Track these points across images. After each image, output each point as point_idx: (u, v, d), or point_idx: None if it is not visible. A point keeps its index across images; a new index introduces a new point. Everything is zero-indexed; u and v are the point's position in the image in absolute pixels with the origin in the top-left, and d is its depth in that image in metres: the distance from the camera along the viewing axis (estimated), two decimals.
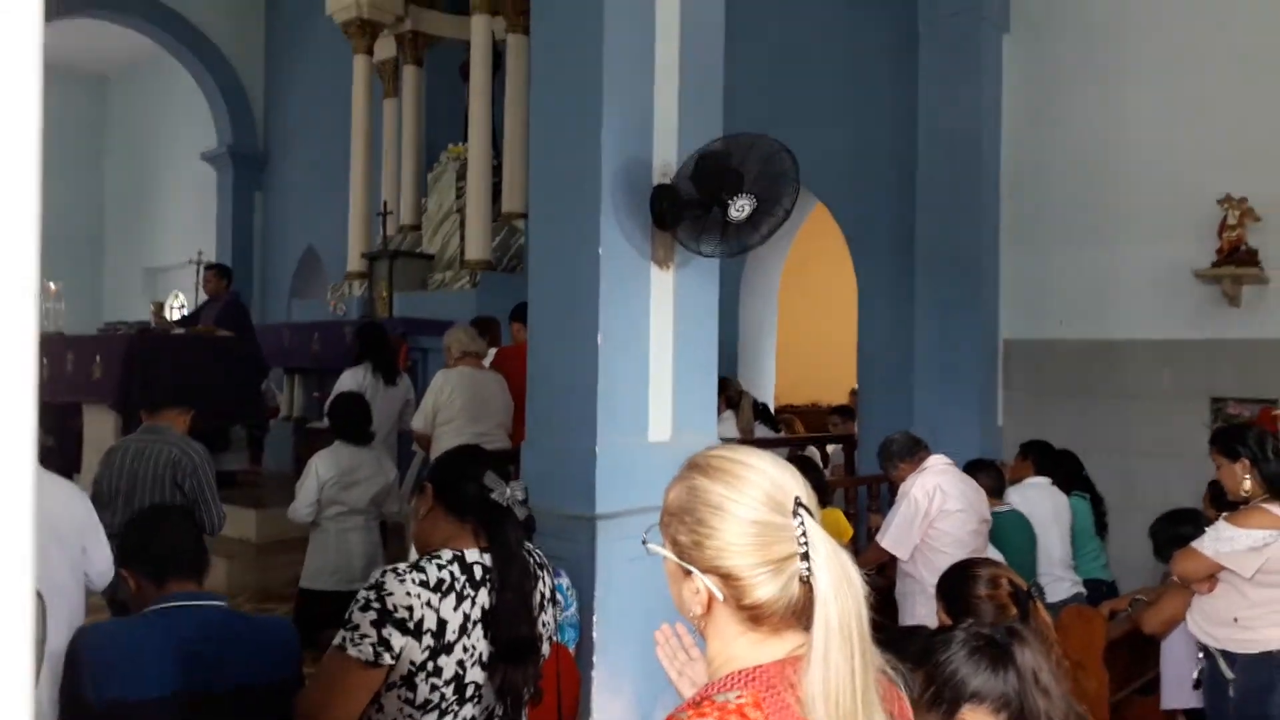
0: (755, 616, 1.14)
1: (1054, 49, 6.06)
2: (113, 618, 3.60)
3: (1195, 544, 3.28)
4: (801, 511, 1.13)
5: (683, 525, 1.17)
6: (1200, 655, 3.45)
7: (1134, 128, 5.73)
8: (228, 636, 2.23)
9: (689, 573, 1.16)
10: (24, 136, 0.55)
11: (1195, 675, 3.51)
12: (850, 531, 5.11)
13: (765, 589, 1.12)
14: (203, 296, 7.79)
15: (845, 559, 1.12)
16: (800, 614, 1.12)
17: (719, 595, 1.14)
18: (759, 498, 1.14)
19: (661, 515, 1.22)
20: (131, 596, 2.42)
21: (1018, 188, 6.17)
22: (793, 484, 1.16)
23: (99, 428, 6.22)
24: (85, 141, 15.63)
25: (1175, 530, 3.94)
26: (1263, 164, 5.27)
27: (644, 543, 1.24)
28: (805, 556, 1.11)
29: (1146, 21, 5.71)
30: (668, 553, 1.19)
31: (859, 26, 6.91)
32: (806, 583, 1.11)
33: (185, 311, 13.12)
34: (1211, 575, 3.26)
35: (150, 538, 2.40)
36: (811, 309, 10.70)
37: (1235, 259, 5.23)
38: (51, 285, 7.36)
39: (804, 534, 1.11)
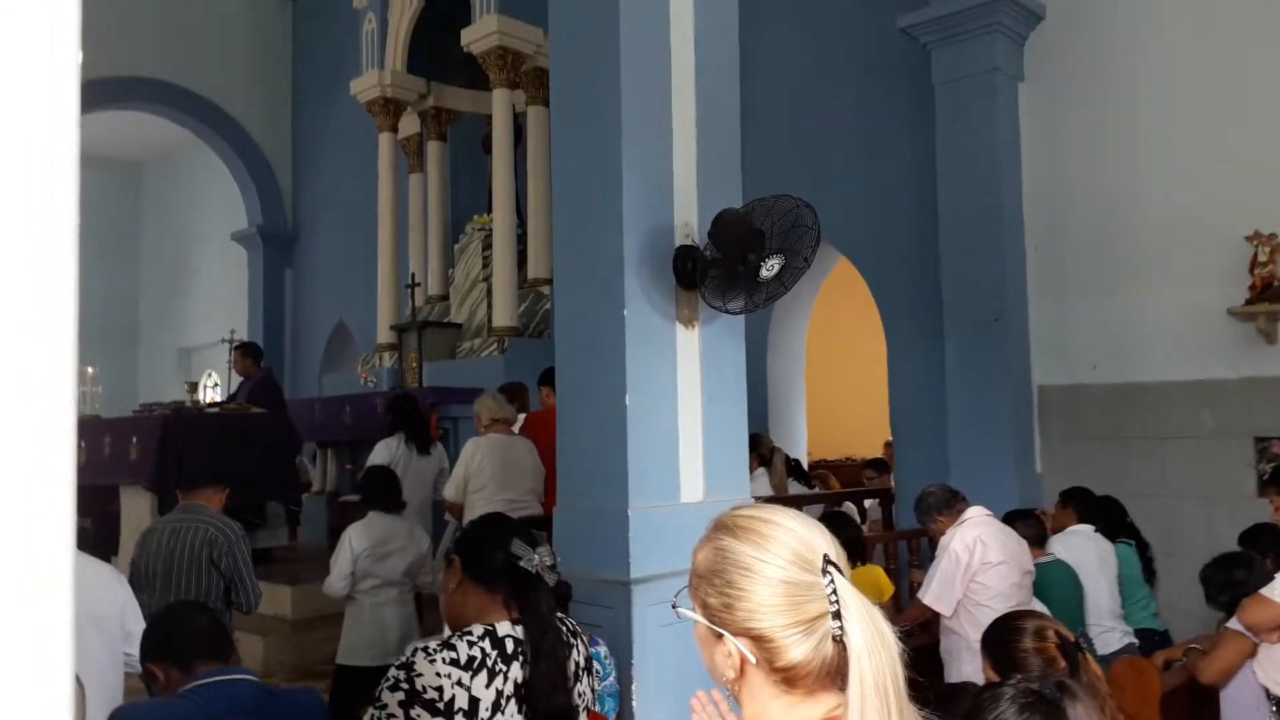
0: (789, 678, 1.11)
1: (1071, 95, 6.08)
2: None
3: (1265, 591, 3.18)
4: (831, 569, 1.11)
5: (712, 588, 1.16)
6: (1274, 708, 3.32)
7: (1156, 168, 5.71)
8: (257, 709, 2.26)
9: (720, 636, 1.15)
10: (64, 229, 0.57)
11: None
12: (891, 589, 5.01)
13: (798, 650, 1.10)
14: (237, 375, 7.91)
15: (877, 615, 1.10)
16: (835, 674, 1.10)
17: (751, 658, 1.12)
18: (787, 557, 1.12)
19: (690, 578, 1.21)
20: (160, 690, 2.48)
21: (1042, 234, 6.16)
22: (821, 541, 1.14)
23: (136, 509, 6.26)
24: (121, 227, 16.03)
25: (1228, 575, 3.82)
26: None
27: (674, 607, 1.22)
28: (837, 615, 1.09)
29: (1162, 63, 5.73)
30: (698, 616, 1.18)
31: (875, 83, 6.98)
32: (840, 642, 1.09)
33: (219, 390, 13.31)
34: None
35: (169, 629, 2.49)
36: (840, 362, 10.66)
37: (1268, 295, 5.17)
38: (89, 369, 7.49)
39: (834, 592, 1.09)
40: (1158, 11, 5.76)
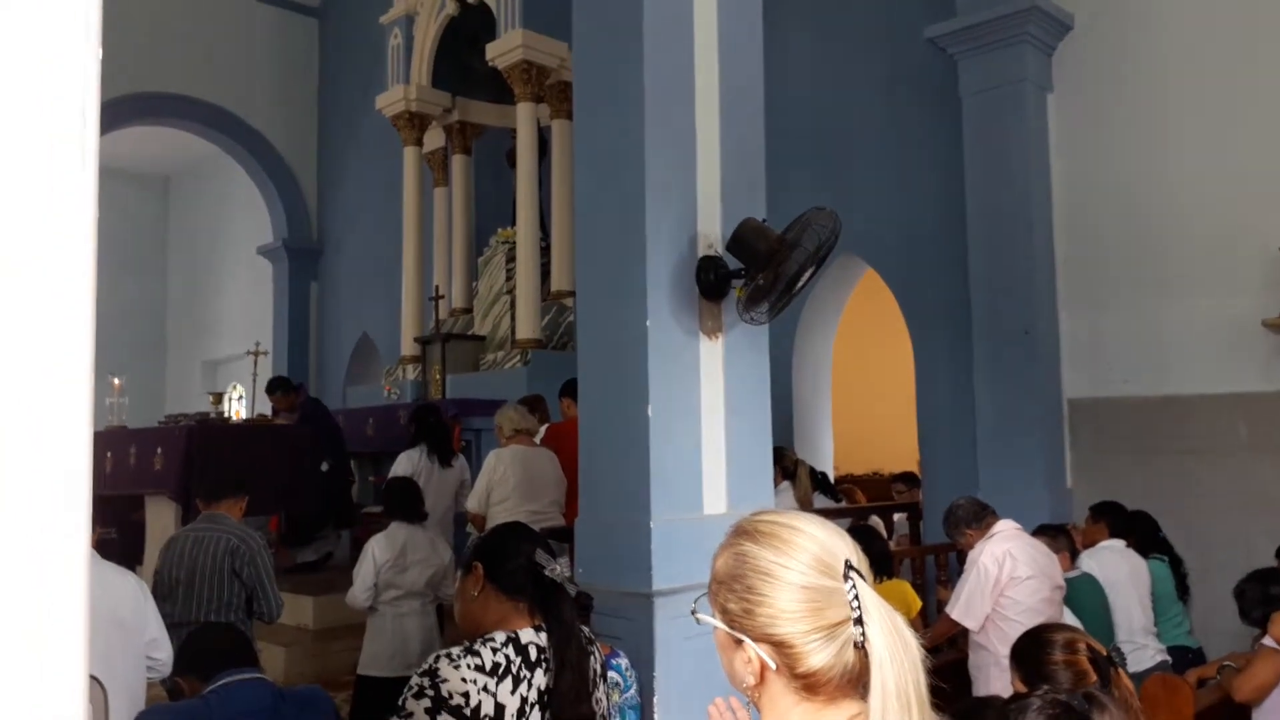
0: (810, 685, 1.09)
1: (1100, 105, 6.02)
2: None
3: None
4: (853, 575, 1.09)
5: (732, 593, 1.14)
6: None
7: (1187, 178, 5.64)
8: (269, 709, 2.44)
9: (740, 642, 1.13)
10: (82, 241, 0.57)
11: None
12: (918, 604, 4.95)
13: (819, 656, 1.08)
14: (262, 385, 7.96)
15: (900, 622, 1.08)
16: (856, 681, 1.08)
17: (771, 664, 1.10)
18: (808, 562, 1.10)
19: (710, 584, 1.19)
20: (187, 699, 2.69)
21: (1072, 246, 6.09)
22: (842, 547, 1.12)
23: (160, 519, 6.30)
24: (149, 240, 16.22)
25: (1265, 591, 3.74)
26: None
27: (693, 613, 1.21)
28: (859, 621, 1.07)
29: (1192, 71, 5.66)
30: (718, 622, 1.16)
31: (901, 94, 6.94)
32: (861, 648, 1.07)
33: (244, 402, 13.41)
34: None
35: (195, 644, 2.76)
36: (867, 374, 10.58)
37: None
38: (115, 380, 7.55)
39: (856, 598, 1.07)
40: (1187, 20, 5.69)
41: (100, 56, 0.58)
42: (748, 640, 1.12)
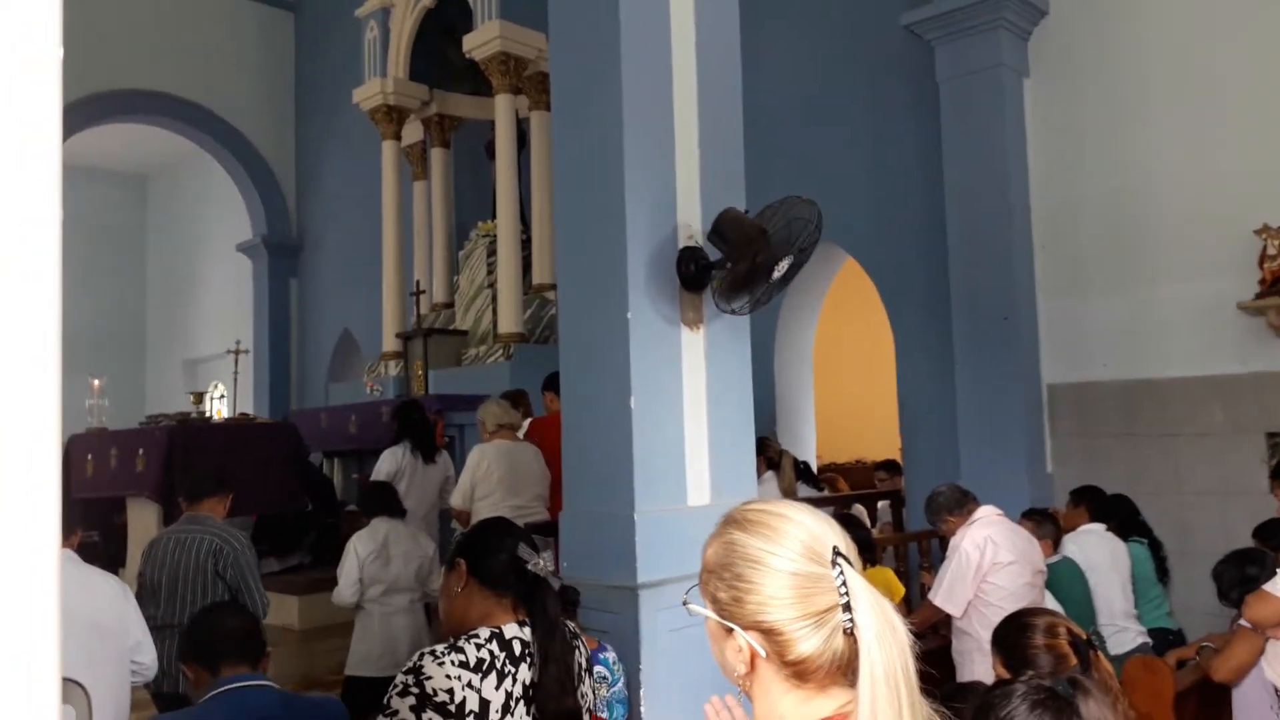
0: (800, 672, 1.11)
1: (1076, 90, 6.05)
2: (158, 713, 3.59)
3: (1269, 587, 3.15)
4: (841, 561, 1.10)
5: (721, 582, 1.16)
6: (1278, 704, 3.28)
7: (1163, 163, 5.68)
8: (279, 717, 2.31)
9: (730, 630, 1.14)
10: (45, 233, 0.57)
11: None
12: (902, 591, 4.98)
13: (808, 643, 1.09)
14: (243, 385, 7.92)
15: (888, 608, 1.09)
16: (845, 668, 1.09)
17: (762, 652, 1.12)
18: (797, 549, 1.12)
19: (700, 573, 1.20)
20: (191, 689, 2.53)
21: (1050, 232, 6.12)
22: (831, 534, 1.14)
23: (143, 520, 6.26)
24: (127, 239, 16.08)
25: (1241, 572, 3.78)
26: None
27: (684, 603, 1.22)
28: (847, 607, 1.08)
29: (1168, 55, 5.69)
30: (708, 612, 1.17)
31: (879, 81, 6.95)
32: (850, 635, 1.08)
33: (225, 401, 13.33)
34: None
35: (202, 629, 2.52)
36: (849, 363, 10.62)
37: (1278, 289, 5.12)
38: (95, 382, 7.49)
39: (844, 584, 1.09)
40: (1163, 4, 5.72)
41: (61, 51, 0.58)
42: (737, 629, 1.13)
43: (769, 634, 1.11)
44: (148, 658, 3.16)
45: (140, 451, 6.36)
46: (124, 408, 11.59)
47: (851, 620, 1.07)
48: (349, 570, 4.43)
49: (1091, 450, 5.91)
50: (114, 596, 3.10)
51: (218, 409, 13.36)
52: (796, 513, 1.16)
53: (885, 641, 1.06)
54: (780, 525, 1.14)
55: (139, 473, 6.31)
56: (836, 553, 1.11)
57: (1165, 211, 5.66)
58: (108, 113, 10.98)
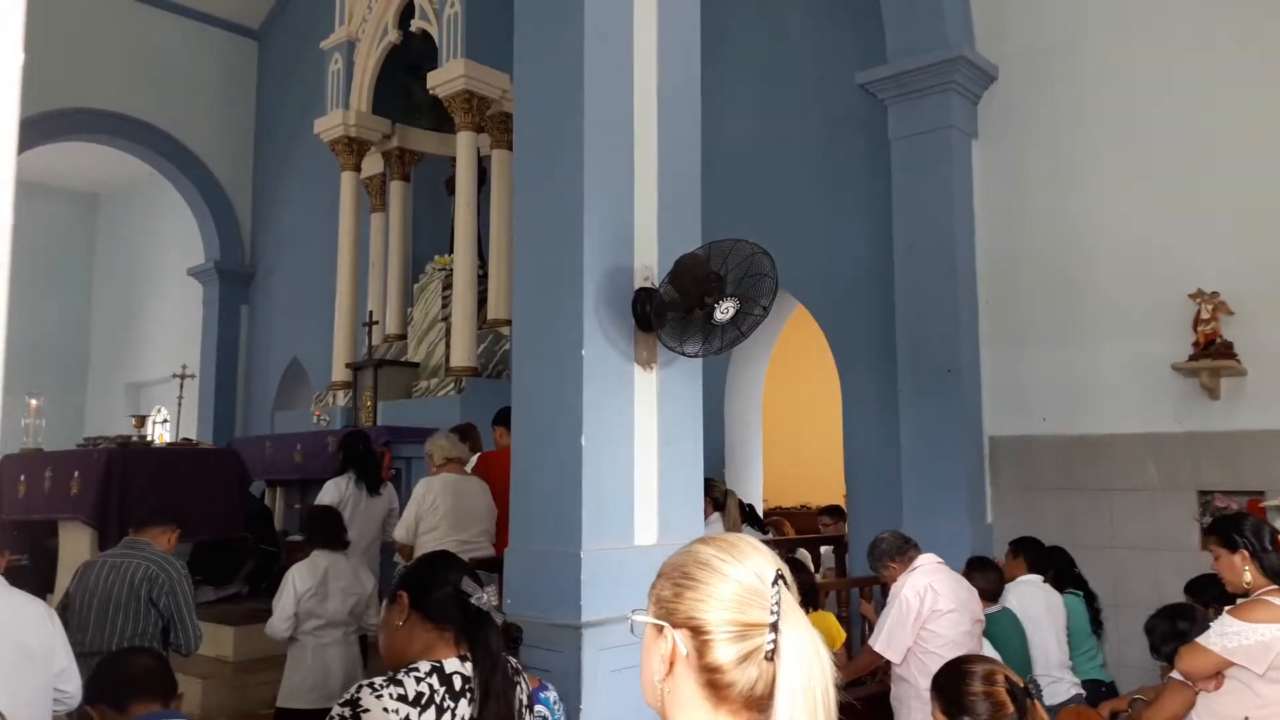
0: (713, 682, 1.12)
1: (1022, 153, 6.25)
2: None
3: (1201, 640, 3.21)
4: (781, 582, 1.13)
5: (668, 580, 1.19)
6: None
7: (1103, 226, 5.87)
8: None
9: (661, 630, 1.16)
10: None
11: None
12: (843, 636, 5.01)
13: (725, 650, 1.11)
14: (188, 411, 7.78)
15: (817, 637, 1.12)
16: (761, 702, 1.11)
17: (683, 650, 1.13)
18: (750, 567, 1.15)
19: (653, 581, 1.23)
20: None
21: (995, 287, 6.28)
22: (781, 568, 1.17)
23: (75, 545, 6.09)
24: (74, 258, 15.78)
25: (1173, 626, 3.86)
26: (1232, 258, 5.39)
27: (632, 612, 1.23)
28: (774, 628, 1.10)
29: (1108, 123, 5.90)
30: (648, 617, 1.19)
31: (834, 135, 7.11)
32: (771, 660, 1.09)
33: (168, 426, 13.05)
34: (1218, 672, 3.18)
35: (110, 670, 2.53)
36: (797, 409, 10.71)
37: (1211, 352, 5.29)
38: (32, 401, 7.31)
39: (778, 603, 1.11)
40: (1108, 73, 5.94)
41: (22, 55, 0.58)
42: (668, 626, 1.15)
43: (696, 632, 1.13)
44: (72, 685, 3.07)
45: (76, 474, 6.21)
46: (62, 429, 11.29)
47: (775, 643, 1.09)
48: (285, 604, 4.35)
49: (1030, 502, 6.02)
50: (39, 621, 3.02)
51: (160, 433, 13.09)
52: (759, 547, 1.20)
53: (807, 662, 1.08)
54: (743, 545, 1.19)
55: (74, 495, 6.15)
56: (780, 575, 1.14)
57: (1104, 272, 5.84)
58: (62, 130, 10.84)
